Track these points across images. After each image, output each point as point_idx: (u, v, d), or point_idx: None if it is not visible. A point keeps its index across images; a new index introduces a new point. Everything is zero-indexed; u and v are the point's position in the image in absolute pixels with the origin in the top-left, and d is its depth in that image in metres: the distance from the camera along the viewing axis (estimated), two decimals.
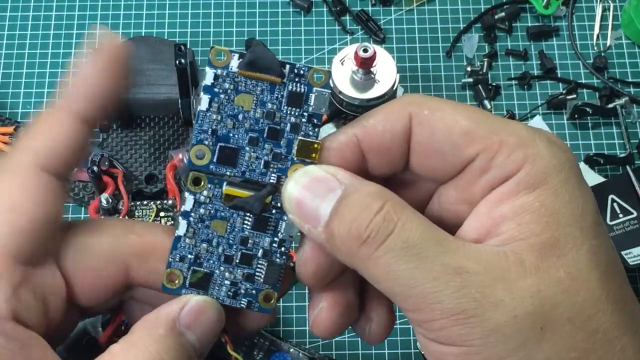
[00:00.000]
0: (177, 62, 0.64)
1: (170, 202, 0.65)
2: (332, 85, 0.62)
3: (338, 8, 0.76)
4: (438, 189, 0.33)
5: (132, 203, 0.64)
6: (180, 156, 0.65)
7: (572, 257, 0.27)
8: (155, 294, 0.33)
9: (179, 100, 0.67)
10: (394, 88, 0.63)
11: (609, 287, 0.28)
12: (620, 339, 0.27)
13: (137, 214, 0.65)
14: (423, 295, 0.27)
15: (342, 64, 0.62)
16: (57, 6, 0.78)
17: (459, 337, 0.27)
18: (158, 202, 0.65)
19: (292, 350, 0.58)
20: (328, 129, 0.64)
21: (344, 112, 0.64)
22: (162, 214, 0.65)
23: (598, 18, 0.76)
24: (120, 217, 0.63)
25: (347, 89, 0.62)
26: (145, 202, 0.65)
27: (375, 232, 0.27)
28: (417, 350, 0.63)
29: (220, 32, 0.76)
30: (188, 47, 0.65)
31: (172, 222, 0.64)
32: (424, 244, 0.27)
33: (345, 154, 0.31)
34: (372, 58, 0.60)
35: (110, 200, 0.62)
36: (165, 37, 0.75)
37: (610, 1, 0.77)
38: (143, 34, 0.75)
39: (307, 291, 0.34)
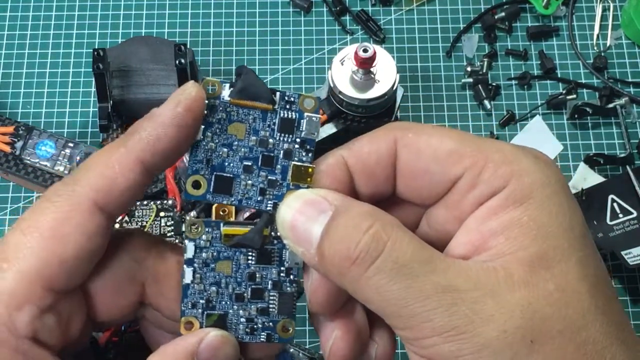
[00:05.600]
0: (177, 62, 0.64)
1: (170, 202, 0.65)
2: (332, 85, 0.62)
3: (338, 8, 0.76)
4: (426, 212, 0.33)
5: None
6: None
7: (561, 269, 0.27)
8: (163, 318, 0.33)
9: None
10: (394, 88, 0.63)
11: (598, 298, 0.28)
12: (609, 348, 0.27)
13: (137, 214, 0.65)
14: (414, 314, 0.27)
15: (342, 64, 0.62)
16: (57, 6, 0.78)
17: (451, 353, 0.27)
18: (158, 202, 0.65)
19: (292, 350, 0.58)
20: (328, 128, 0.64)
21: (344, 112, 0.64)
22: (162, 213, 0.65)
23: (598, 18, 0.76)
24: (120, 217, 0.63)
25: (347, 89, 0.62)
26: (145, 202, 0.65)
27: (365, 252, 0.27)
28: None
29: (220, 32, 0.76)
30: (188, 47, 0.65)
31: (172, 222, 0.65)
32: (414, 264, 0.27)
33: (336, 174, 0.31)
34: (372, 58, 0.60)
35: None
36: (165, 37, 0.75)
37: (610, 1, 0.77)
38: (143, 34, 0.75)
39: (307, 317, 0.34)
